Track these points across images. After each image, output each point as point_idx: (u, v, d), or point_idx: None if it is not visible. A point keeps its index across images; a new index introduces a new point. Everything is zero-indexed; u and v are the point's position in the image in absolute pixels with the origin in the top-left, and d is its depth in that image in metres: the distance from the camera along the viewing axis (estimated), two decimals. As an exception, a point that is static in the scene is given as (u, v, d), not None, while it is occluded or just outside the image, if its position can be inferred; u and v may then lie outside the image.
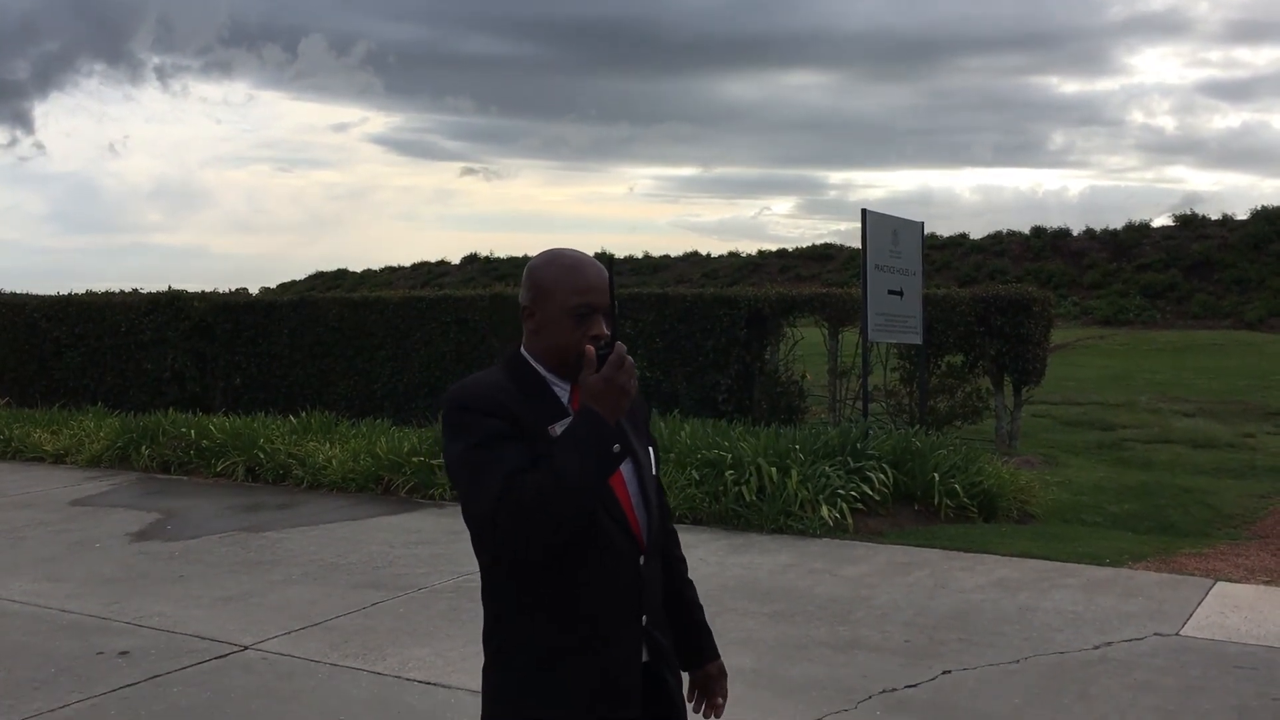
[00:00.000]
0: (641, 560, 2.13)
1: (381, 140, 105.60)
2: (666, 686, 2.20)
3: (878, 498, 8.07)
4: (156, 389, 14.18)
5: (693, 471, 8.33)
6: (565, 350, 2.08)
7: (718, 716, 2.42)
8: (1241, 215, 35.69)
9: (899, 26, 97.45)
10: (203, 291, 14.92)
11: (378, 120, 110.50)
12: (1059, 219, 56.45)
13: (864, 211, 9.60)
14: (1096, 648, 5.28)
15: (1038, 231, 38.55)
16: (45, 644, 5.60)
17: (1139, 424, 13.76)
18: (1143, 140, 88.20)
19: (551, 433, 2.01)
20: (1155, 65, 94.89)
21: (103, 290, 15.93)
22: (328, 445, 10.56)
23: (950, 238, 39.99)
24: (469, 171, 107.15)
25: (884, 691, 4.75)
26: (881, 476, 8.20)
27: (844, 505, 7.86)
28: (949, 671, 4.99)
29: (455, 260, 49.63)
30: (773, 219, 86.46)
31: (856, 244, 10.69)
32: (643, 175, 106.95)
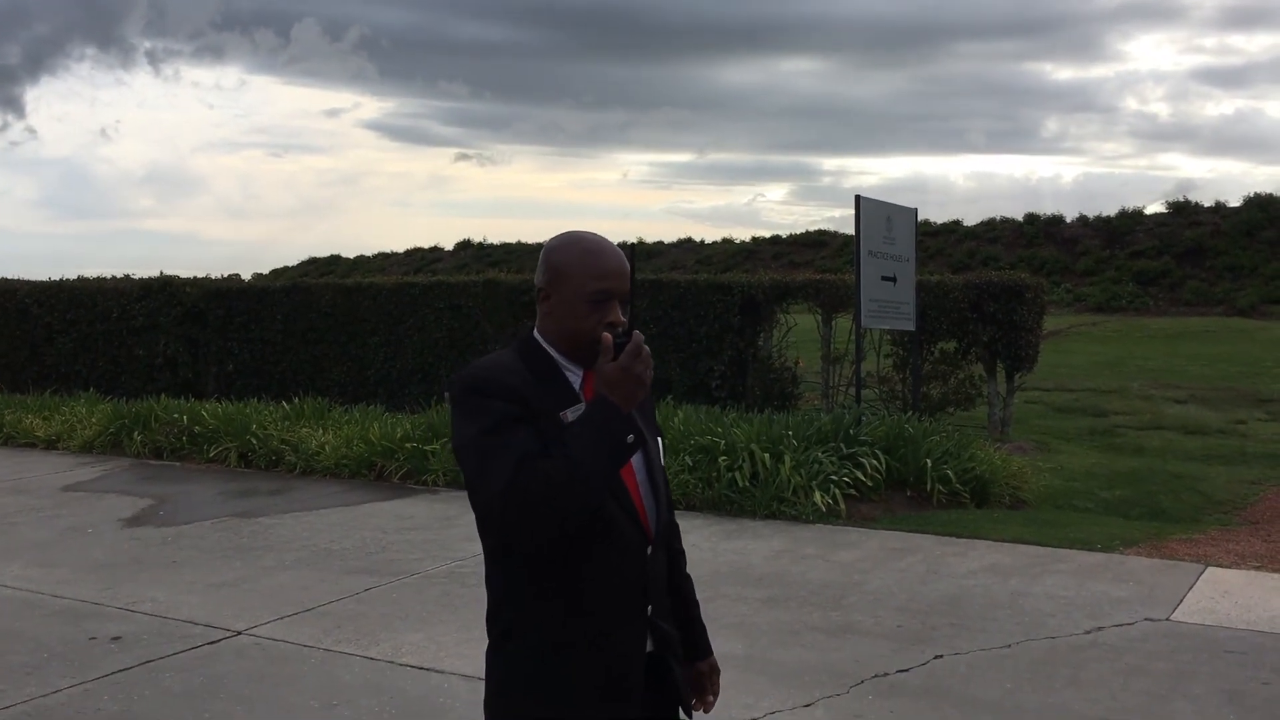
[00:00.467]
0: (649, 551, 2.11)
1: (375, 126, 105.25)
2: (671, 676, 2.17)
3: (870, 483, 8.09)
4: (149, 375, 14.14)
5: (686, 457, 8.33)
6: (579, 335, 2.04)
7: (707, 712, 2.39)
8: (1234, 202, 35.74)
9: (894, 13, 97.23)
10: (195, 277, 14.87)
11: (371, 106, 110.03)
12: (1052, 206, 56.48)
13: (858, 198, 9.59)
14: (1088, 632, 5.30)
15: (1031, 218, 38.56)
16: (37, 630, 5.60)
17: (1131, 410, 13.80)
18: (1136, 127, 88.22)
19: (564, 418, 1.98)
20: (1149, 52, 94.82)
21: (94, 276, 15.87)
22: (321, 431, 10.55)
23: (944, 224, 39.98)
24: (463, 157, 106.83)
25: (876, 676, 4.77)
26: (874, 462, 8.21)
27: (837, 491, 7.87)
28: (941, 656, 5.00)
29: (449, 246, 49.54)
30: (767, 205, 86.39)
31: (850, 231, 10.69)
32: (637, 161, 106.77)
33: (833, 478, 7.96)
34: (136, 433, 11.39)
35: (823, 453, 8.22)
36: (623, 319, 2.04)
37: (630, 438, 1.92)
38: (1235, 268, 31.83)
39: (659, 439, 2.25)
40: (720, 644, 2.53)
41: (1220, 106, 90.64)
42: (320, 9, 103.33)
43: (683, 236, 45.18)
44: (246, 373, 13.77)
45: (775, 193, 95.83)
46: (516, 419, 1.96)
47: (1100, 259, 34.65)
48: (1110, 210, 37.51)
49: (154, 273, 15.05)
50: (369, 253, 51.07)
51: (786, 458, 8.09)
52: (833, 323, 11.77)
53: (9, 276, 16.55)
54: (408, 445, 9.65)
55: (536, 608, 2.05)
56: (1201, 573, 6.30)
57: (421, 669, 4.91)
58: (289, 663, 5.06)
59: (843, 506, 7.82)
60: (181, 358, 14.11)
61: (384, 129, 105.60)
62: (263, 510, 8.55)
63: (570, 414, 1.99)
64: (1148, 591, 5.95)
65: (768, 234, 42.28)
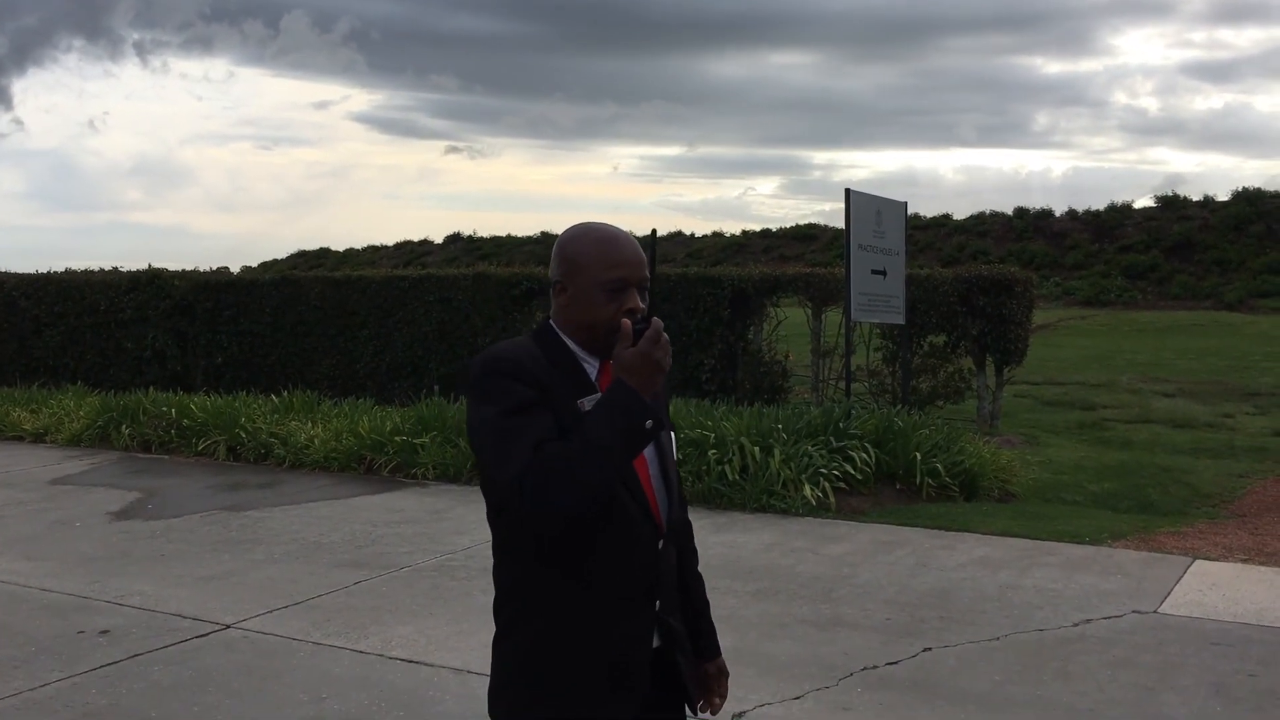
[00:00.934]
0: (659, 544, 2.10)
1: (364, 118, 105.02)
2: (678, 672, 2.16)
3: (860, 477, 8.10)
4: (137, 368, 14.09)
5: (676, 451, 8.32)
6: (597, 325, 2.03)
7: (714, 714, 2.37)
8: (1223, 196, 35.92)
9: (884, 6, 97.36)
10: (183, 270, 14.84)
11: (360, 98, 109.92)
12: (1042, 200, 56.65)
13: (848, 191, 9.59)
14: (1076, 625, 5.32)
15: (1020, 212, 38.68)
16: (25, 623, 5.58)
17: (1119, 404, 13.85)
18: (1126, 121, 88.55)
19: (580, 407, 1.97)
20: (1139, 46, 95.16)
21: (82, 269, 15.79)
22: (310, 424, 10.52)
23: (934, 218, 40.09)
24: (453, 150, 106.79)
25: (865, 669, 4.78)
26: (864, 456, 8.22)
27: (826, 484, 7.88)
28: (930, 649, 5.02)
29: (438, 239, 49.53)
30: (757, 199, 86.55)
31: (840, 224, 10.69)
32: (627, 155, 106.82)
33: (822, 471, 7.97)
34: (125, 426, 11.35)
35: (812, 446, 8.22)
36: (641, 306, 2.03)
37: (649, 423, 1.90)
38: (1223, 262, 31.97)
39: (672, 434, 2.24)
40: (709, 637, 2.52)
41: (1209, 101, 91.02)
42: (310, 0, 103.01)
43: (673, 230, 45.32)
44: (235, 366, 13.73)
45: (765, 186, 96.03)
46: (535, 403, 1.95)
47: (1089, 253, 34.77)
48: (1099, 204, 37.68)
49: (142, 265, 15.02)
50: (358, 246, 51.07)
51: (776, 451, 8.10)
52: (823, 316, 11.78)
53: (-4, 269, 16.46)
54: (397, 439, 9.63)
55: (543, 597, 2.03)
56: (1189, 565, 6.32)
57: (411, 662, 4.90)
58: (278, 656, 5.05)
59: (832, 500, 7.83)
60: (170, 351, 14.06)
61: (373, 121, 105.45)
62: (252, 503, 8.53)
63: (586, 403, 1.98)
64: (1135, 584, 5.97)
65: (758, 227, 42.47)
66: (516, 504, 1.88)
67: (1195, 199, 36.53)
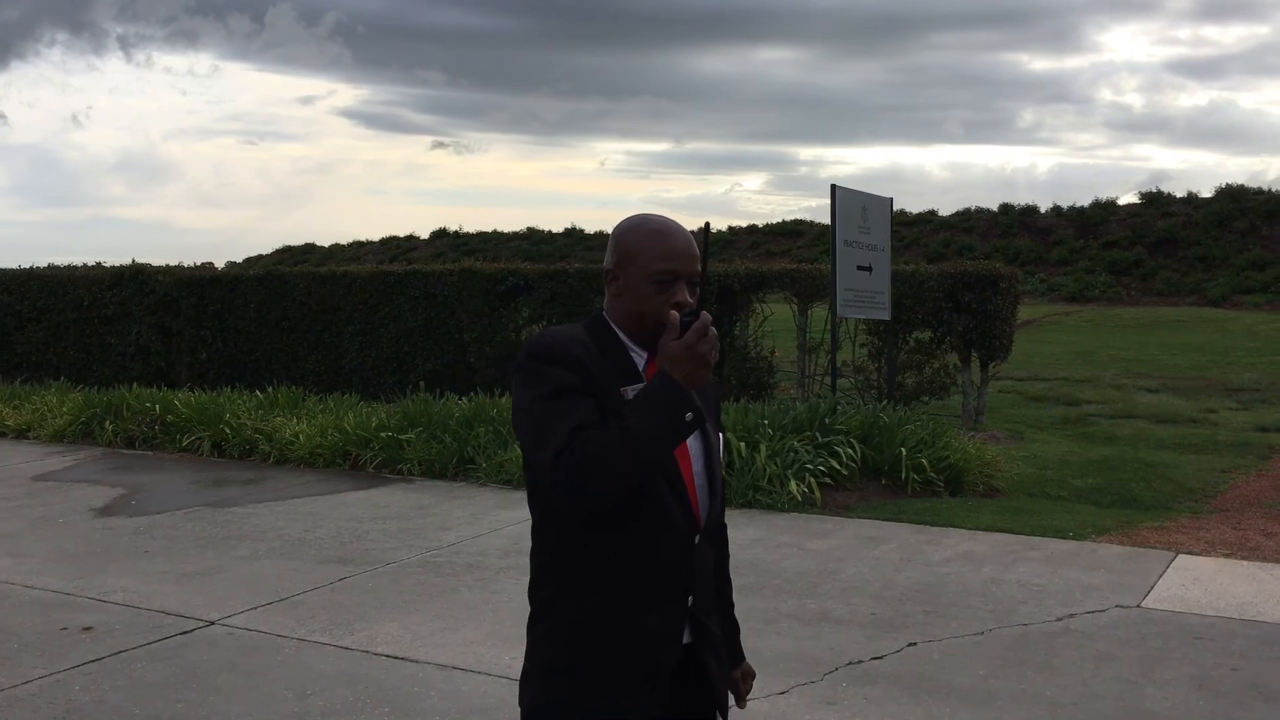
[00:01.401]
0: (696, 540, 2.10)
1: (349, 113, 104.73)
2: (707, 671, 2.13)
3: (845, 472, 8.12)
4: (121, 364, 14.02)
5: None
6: (645, 316, 2.05)
7: (742, 708, 2.38)
8: (1207, 193, 36.09)
9: (871, 2, 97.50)
10: (168, 265, 14.75)
11: (346, 93, 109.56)
12: (1027, 196, 56.93)
13: (833, 187, 9.61)
14: (1060, 619, 5.34)
15: (1006, 209, 38.81)
16: (8, 620, 5.55)
17: (1103, 399, 13.92)
18: (1111, 118, 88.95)
19: (624, 395, 1.98)
20: (1124, 43, 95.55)
21: (65, 264, 15.72)
22: (295, 420, 10.49)
23: (919, 214, 40.19)
24: (439, 145, 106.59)
25: (850, 663, 4.79)
26: (849, 451, 8.24)
27: (812, 480, 7.90)
28: (915, 644, 5.03)
29: (424, 235, 49.42)
30: (743, 195, 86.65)
31: (826, 220, 10.71)
32: (614, 150, 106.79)
33: (808, 467, 7.98)
34: (108, 422, 11.30)
35: (798, 442, 8.24)
36: (690, 300, 2.04)
37: (689, 415, 1.91)
38: (1207, 258, 32.14)
39: (720, 434, 2.24)
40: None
41: (1194, 98, 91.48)
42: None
43: (659, 226, 45.19)
44: (220, 362, 13.67)
45: (752, 182, 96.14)
46: (578, 389, 1.96)
47: (1074, 249, 34.91)
48: (1084, 201, 37.83)
49: (126, 261, 14.94)
50: (344, 241, 50.90)
51: (762, 447, 8.11)
52: (808, 312, 11.80)
53: (-22, 264, 16.36)
54: (383, 434, 9.61)
55: (577, 581, 2.04)
56: (1172, 560, 6.36)
57: (396, 658, 4.89)
58: (263, 653, 5.04)
59: (818, 495, 7.84)
60: (154, 347, 13.99)
61: (359, 116, 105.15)
62: (236, 500, 8.50)
63: (630, 391, 1.99)
64: (1119, 579, 6.00)
65: (744, 223, 42.51)
66: (551, 483, 1.90)
67: (1179, 195, 36.73)
